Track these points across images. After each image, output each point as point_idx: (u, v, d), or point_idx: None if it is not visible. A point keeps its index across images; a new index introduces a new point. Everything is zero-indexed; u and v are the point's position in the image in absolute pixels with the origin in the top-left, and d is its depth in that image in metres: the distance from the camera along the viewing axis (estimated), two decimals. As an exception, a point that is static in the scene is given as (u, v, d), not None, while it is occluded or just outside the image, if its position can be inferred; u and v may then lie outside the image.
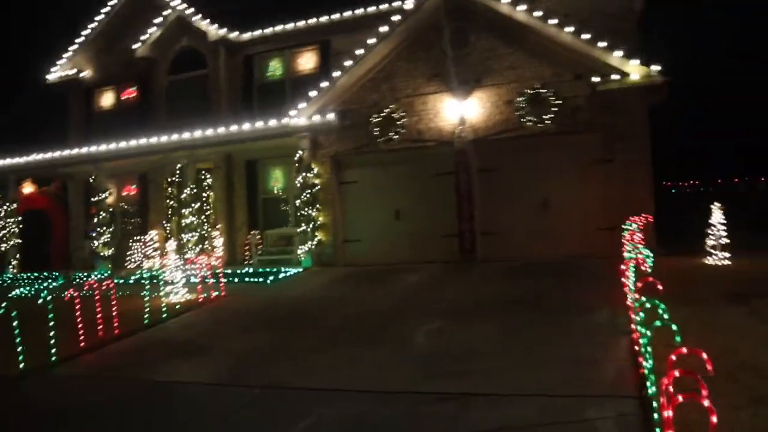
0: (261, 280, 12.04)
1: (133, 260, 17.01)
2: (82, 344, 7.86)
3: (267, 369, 6.37)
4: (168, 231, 17.26)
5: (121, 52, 18.75)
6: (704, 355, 3.51)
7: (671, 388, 3.11)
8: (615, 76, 11.54)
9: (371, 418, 4.83)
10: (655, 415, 3.95)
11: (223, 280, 11.01)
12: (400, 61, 13.36)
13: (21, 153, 18.02)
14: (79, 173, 18.96)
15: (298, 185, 13.90)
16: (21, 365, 7.09)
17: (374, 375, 5.90)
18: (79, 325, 7.87)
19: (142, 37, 17.41)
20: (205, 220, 15.60)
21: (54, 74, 19.46)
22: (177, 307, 9.71)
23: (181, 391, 6.02)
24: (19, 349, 7.11)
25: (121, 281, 13.07)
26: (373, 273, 12.04)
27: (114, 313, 8.53)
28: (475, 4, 12.66)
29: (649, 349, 4.35)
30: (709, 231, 10.80)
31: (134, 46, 17.53)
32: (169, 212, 17.42)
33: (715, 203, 10.82)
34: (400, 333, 7.37)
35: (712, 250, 10.62)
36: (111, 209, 16.90)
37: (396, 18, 13.06)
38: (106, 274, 15.73)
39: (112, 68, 19.02)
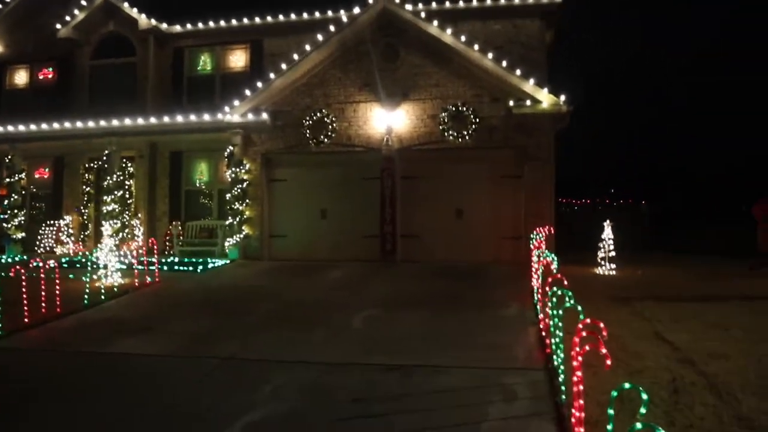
0: (191, 269, 12.43)
1: (45, 245, 16.69)
2: (26, 320, 8.11)
3: (215, 346, 6.96)
4: (85, 217, 17.11)
5: (38, 28, 18.30)
6: (601, 324, 4.59)
7: (578, 348, 4.13)
8: (528, 102, 12.92)
9: (327, 384, 5.62)
10: (560, 380, 5.06)
11: (156, 266, 11.33)
12: (334, 69, 14.16)
13: None
14: (-15, 152, 18.33)
15: (229, 179, 14.37)
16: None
17: (317, 352, 6.65)
18: (21, 304, 8.10)
19: (67, 18, 17.13)
20: (126, 208, 15.65)
21: (-39, 46, 18.66)
22: (115, 290, 9.99)
23: (139, 362, 6.51)
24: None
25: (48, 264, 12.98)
26: (299, 267, 12.75)
27: (57, 293, 8.77)
28: (406, 22, 13.69)
29: (558, 331, 5.42)
30: (599, 245, 12.38)
31: (57, 26, 17.21)
32: (86, 198, 17.28)
33: (606, 221, 12.41)
34: (334, 319, 8.18)
35: (602, 262, 12.19)
36: (23, 191, 16.50)
37: (332, 28, 13.83)
38: (18, 257, 15.45)
39: (28, 45, 18.50)
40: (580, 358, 3.91)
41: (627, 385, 3.38)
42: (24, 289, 8.28)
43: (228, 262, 13.65)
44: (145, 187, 16.60)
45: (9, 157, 16.27)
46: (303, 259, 13.70)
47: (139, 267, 11.16)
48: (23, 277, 8.37)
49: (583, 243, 14.71)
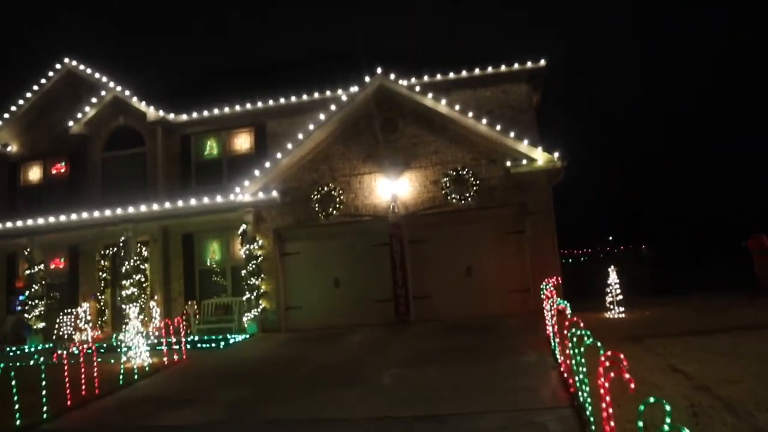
0: (213, 345, 12.81)
1: (63, 332, 16.99)
2: (69, 403, 8.46)
3: (259, 412, 7.35)
4: (102, 303, 17.55)
5: (50, 127, 19.28)
6: (621, 355, 5.06)
7: (602, 378, 4.59)
8: (524, 161, 13.68)
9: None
10: (587, 413, 5.48)
11: (183, 344, 11.72)
12: (337, 145, 14.97)
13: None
14: (1, 246, 18.89)
15: (243, 256, 14.92)
16: (17, 422, 7.63)
17: (355, 409, 7.06)
18: (61, 388, 8.46)
19: (78, 116, 18.06)
20: (143, 291, 16.11)
21: (-22, 149, 19.51)
22: (146, 369, 10.37)
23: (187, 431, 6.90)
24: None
25: (73, 351, 13.34)
26: (319, 336, 13.14)
27: (94, 376, 9.15)
28: (402, 96, 14.60)
29: (582, 367, 5.87)
30: (606, 290, 12.88)
31: (69, 124, 18.11)
32: (102, 284, 17.78)
33: (611, 267, 12.95)
34: (364, 378, 8.58)
35: (610, 306, 12.66)
36: (43, 282, 16.97)
37: (332, 107, 14.72)
38: (40, 346, 15.79)
39: (41, 143, 19.39)
40: (606, 384, 4.38)
41: (652, 399, 3.84)
42: (59, 375, 8.66)
43: (248, 336, 14.03)
44: (160, 270, 17.12)
45: (27, 250, 16.80)
46: (320, 327, 14.10)
47: (164, 347, 11.55)
48: (65, 363, 8.77)
49: (590, 290, 15.18)
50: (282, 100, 16.79)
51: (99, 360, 9.77)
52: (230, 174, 17.17)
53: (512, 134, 13.76)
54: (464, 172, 13.95)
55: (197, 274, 17.03)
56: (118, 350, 12.71)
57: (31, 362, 10.10)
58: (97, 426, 7.65)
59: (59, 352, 9.06)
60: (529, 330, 11.26)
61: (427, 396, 7.29)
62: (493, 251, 14.11)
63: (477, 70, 15.52)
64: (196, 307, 16.28)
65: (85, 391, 8.91)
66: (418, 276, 14.16)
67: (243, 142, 17.58)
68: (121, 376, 9.69)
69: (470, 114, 13.98)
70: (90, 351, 9.54)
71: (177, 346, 11.71)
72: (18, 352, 15.06)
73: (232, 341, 13.23)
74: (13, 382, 7.78)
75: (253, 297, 14.58)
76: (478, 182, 13.87)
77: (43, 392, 8.06)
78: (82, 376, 8.98)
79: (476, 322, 12.70)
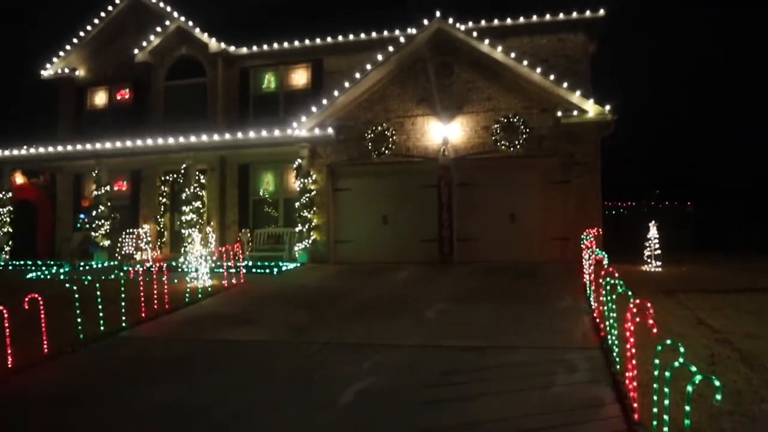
0: (267, 271, 13.71)
1: (125, 251, 18.21)
2: (143, 315, 9.44)
3: (312, 334, 8.13)
4: (161, 226, 18.66)
5: (116, 54, 20.05)
6: (648, 304, 5.57)
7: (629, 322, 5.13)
8: (575, 112, 13.86)
9: (416, 362, 6.70)
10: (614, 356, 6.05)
11: (242, 268, 12.62)
12: (392, 86, 15.35)
13: (15, 145, 18.87)
14: (68, 167, 20.07)
15: (297, 189, 15.67)
16: (101, 329, 8.61)
17: (402, 337, 7.76)
18: (135, 302, 9.42)
19: (143, 44, 18.74)
20: (200, 217, 17.07)
21: (48, 71, 20.47)
22: (209, 290, 11.31)
23: (249, 347, 7.72)
24: (79, 320, 8.62)
25: (148, 267, 14.46)
26: (366, 269, 13.92)
27: (165, 292, 10.11)
28: (459, 41, 14.78)
29: (612, 313, 6.41)
30: (646, 244, 13.23)
31: (135, 51, 18.84)
32: (162, 208, 18.84)
33: (652, 222, 13.26)
34: (410, 311, 9.29)
35: (648, 260, 13.04)
36: (110, 203, 18.08)
37: (390, 48, 15.02)
38: (106, 263, 17.04)
39: (106, 69, 20.23)
40: (632, 328, 4.92)
41: (669, 341, 4.37)
42: (132, 289, 9.61)
43: (298, 265, 14.92)
44: (216, 198, 18.05)
45: (95, 171, 17.86)
46: (367, 261, 14.88)
47: (221, 270, 12.48)
48: (140, 279, 9.71)
49: (630, 243, 15.52)
50: (340, 38, 17.11)
51: (164, 279, 10.70)
52: (286, 108, 17.76)
53: (565, 84, 13.89)
54: (515, 120, 14.22)
55: (251, 203, 17.92)
56: (180, 270, 13.78)
57: (111, 276, 11.13)
58: (169, 337, 8.57)
59: (136, 268, 9.95)
60: (566, 277, 11.78)
61: (469, 330, 7.95)
62: (538, 199, 14.51)
63: (534, 17, 15.53)
64: (249, 235, 17.21)
65: (156, 305, 9.89)
66: (463, 219, 14.70)
67: (300, 77, 18.05)
68: (187, 295, 10.64)
69: (525, 62, 14.13)
70: (162, 270, 10.45)
71: (234, 270, 12.59)
72: (87, 267, 16.31)
73: (284, 269, 14.11)
74: (98, 293, 8.75)
75: (304, 229, 15.38)
76: (528, 130, 14.15)
77: (122, 304, 9.03)
78: (154, 292, 9.95)
79: (517, 267, 13.27)
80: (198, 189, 16.84)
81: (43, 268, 16.34)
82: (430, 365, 6.53)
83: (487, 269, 13.20)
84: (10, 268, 17.13)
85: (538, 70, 14.05)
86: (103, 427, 5.27)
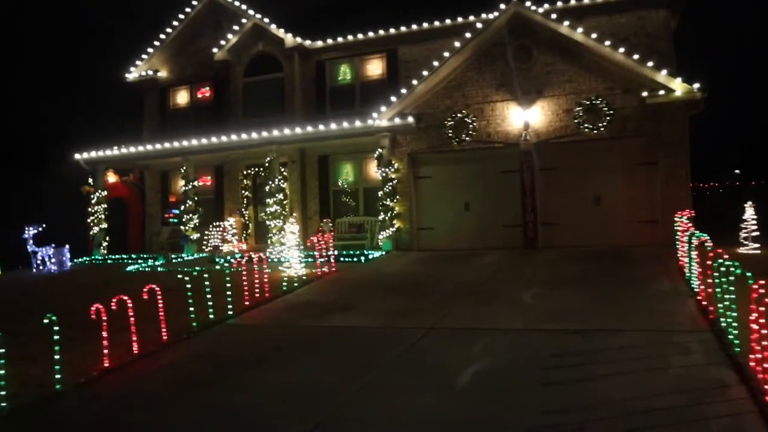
0: (354, 260, 14.04)
1: (211, 243, 18.89)
2: (246, 303, 9.87)
3: (414, 319, 8.32)
4: (246, 218, 19.29)
5: (195, 54, 20.78)
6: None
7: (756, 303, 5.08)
8: (661, 92, 13.51)
9: (524, 344, 6.81)
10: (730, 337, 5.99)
11: (333, 257, 12.96)
12: (470, 72, 15.35)
13: (106, 146, 19.87)
14: (155, 165, 20.99)
15: (379, 178, 15.94)
16: (210, 317, 9.07)
17: (503, 321, 7.86)
18: (237, 291, 9.85)
19: (221, 43, 19.34)
20: (283, 209, 17.54)
21: (133, 74, 21.40)
22: (303, 278, 11.70)
23: (354, 332, 8.00)
24: (191, 309, 9.08)
25: (250, 256, 15.06)
26: (450, 256, 14.05)
27: (265, 281, 10.53)
28: (537, 24, 14.63)
29: (728, 296, 6.33)
30: (741, 225, 12.82)
31: (214, 50, 19.47)
32: (245, 201, 19.47)
33: (748, 202, 12.82)
34: (505, 296, 9.38)
35: (745, 241, 12.65)
36: (196, 198, 18.83)
37: (467, 35, 15.01)
38: (196, 255, 17.78)
39: (187, 69, 20.99)
40: (761, 309, 4.88)
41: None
42: (232, 279, 10.05)
43: (383, 253, 15.19)
44: (298, 190, 18.52)
45: (183, 168, 18.62)
46: (449, 248, 15.01)
47: (309, 260, 12.86)
48: (243, 269, 10.15)
49: (720, 224, 15.04)
50: (414, 26, 17.18)
51: (256, 268, 11.01)
52: (362, 99, 18.02)
53: (650, 63, 13.56)
54: (597, 102, 13.99)
55: (331, 194, 18.31)
56: (270, 260, 14.23)
57: (203, 268, 11.63)
58: (275, 323, 8.97)
59: (238, 259, 10.42)
60: (659, 260, 11.57)
61: (568, 314, 7.98)
62: (623, 181, 14.25)
63: (614, -5, 15.17)
64: (330, 224, 17.58)
65: (258, 294, 10.32)
66: (546, 203, 14.61)
67: (375, 68, 18.25)
68: (284, 283, 11.05)
69: (607, 42, 13.86)
70: (261, 260, 10.88)
71: (321, 259, 12.86)
72: (179, 259, 17.07)
73: (370, 257, 14.41)
74: (206, 283, 9.21)
75: (387, 217, 15.63)
76: (611, 112, 13.91)
77: (228, 293, 9.47)
78: (255, 281, 10.38)
79: (604, 251, 13.11)
80: (281, 181, 17.33)
81: (140, 261, 17.21)
82: (539, 348, 6.62)
83: (574, 254, 13.10)
84: (110, 261, 18.13)
85: (621, 50, 13.75)
86: (242, 407, 5.62)
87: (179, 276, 8.90)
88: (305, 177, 18.69)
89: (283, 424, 5.11)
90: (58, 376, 6.60)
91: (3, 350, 6.10)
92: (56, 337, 6.73)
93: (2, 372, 6.06)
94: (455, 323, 7.94)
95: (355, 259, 14.06)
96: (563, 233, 14.39)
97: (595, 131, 14.02)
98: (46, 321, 6.63)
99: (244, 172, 19.61)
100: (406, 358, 6.66)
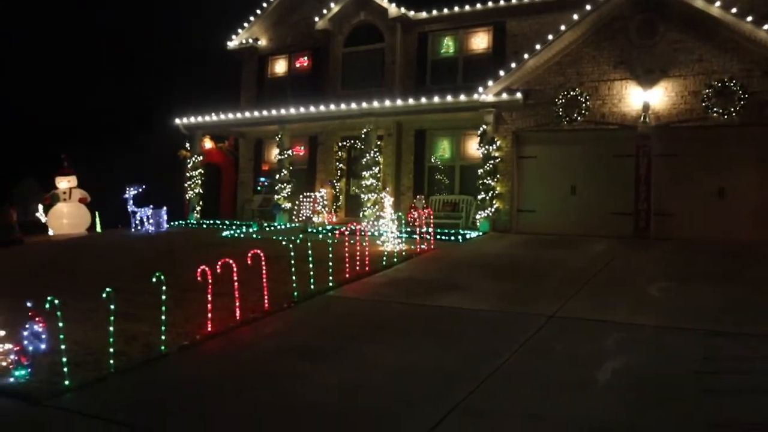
0: (452, 239, 13.48)
1: (302, 214, 18.74)
2: (347, 275, 9.52)
3: (531, 305, 7.67)
4: (337, 190, 19.04)
5: (295, 23, 20.59)
6: None
7: None
8: (810, 75, 12.11)
9: (665, 344, 6.05)
10: None
11: (433, 235, 12.46)
12: (587, 47, 14.33)
13: (204, 112, 20.05)
14: (250, 133, 21.05)
15: (480, 156, 15.23)
16: (311, 287, 8.76)
17: (630, 315, 7.08)
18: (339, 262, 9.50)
19: (323, 11, 19.01)
20: (378, 182, 17.15)
21: (233, 42, 21.46)
22: (403, 254, 11.26)
23: (468, 314, 7.47)
24: (293, 278, 8.76)
25: (351, 228, 14.84)
26: (553, 241, 13.25)
27: (366, 254, 10.14)
28: (667, -4, 13.41)
29: None
30: None
31: (315, 19, 19.18)
32: (338, 173, 19.21)
33: None
34: (628, 288, 8.55)
35: None
36: (291, 167, 18.73)
37: (587, 7, 13.97)
38: (288, 225, 17.70)
39: (286, 38, 20.84)
40: None
41: None
42: (332, 250, 9.68)
43: (481, 233, 14.54)
44: (392, 164, 18.05)
45: (279, 136, 18.53)
46: (551, 233, 14.18)
47: (405, 236, 12.39)
48: (346, 241, 9.79)
49: None
50: (524, -2, 16.25)
51: (351, 241, 10.59)
52: (465, 74, 17.28)
53: (798, 43, 12.19)
54: (731, 84, 12.74)
55: (426, 170, 17.74)
56: (365, 234, 13.88)
57: (300, 236, 11.36)
58: (376, 298, 8.54)
59: (341, 229, 10.08)
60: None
61: (707, 313, 7.12)
62: (754, 173, 12.95)
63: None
64: (424, 201, 17.06)
65: (359, 266, 9.96)
66: (662, 192, 13.52)
67: (480, 41, 17.44)
68: (384, 258, 10.63)
69: (750, 18, 12.52)
70: (363, 233, 10.50)
71: (417, 236, 12.35)
72: (272, 228, 17.02)
73: (468, 236, 13.80)
74: (309, 252, 8.90)
75: (487, 197, 14.94)
76: (746, 96, 12.62)
77: (330, 264, 9.15)
78: (355, 253, 10.02)
79: (726, 247, 11.95)
80: (377, 154, 16.92)
81: (233, 227, 17.28)
82: (682, 349, 5.88)
83: (693, 247, 12.04)
84: (204, 226, 18.33)
85: (766, 26, 12.39)
86: (360, 385, 5.21)
87: (284, 243, 8.65)
88: (400, 151, 18.20)
89: (409, 413, 4.63)
90: (163, 337, 6.43)
91: (113, 306, 5.95)
92: (163, 297, 6.56)
93: (111, 329, 5.92)
94: (577, 313, 7.24)
95: (452, 238, 13.49)
96: (678, 225, 13.28)
97: (726, 116, 12.78)
98: (153, 280, 6.46)
99: (339, 144, 19.33)
100: (532, 347, 6.06)
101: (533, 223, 14.81)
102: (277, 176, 18.55)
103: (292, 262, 8.52)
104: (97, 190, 19.70)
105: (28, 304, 5.60)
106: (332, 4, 18.91)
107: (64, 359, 5.57)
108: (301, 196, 18.78)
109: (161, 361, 6.16)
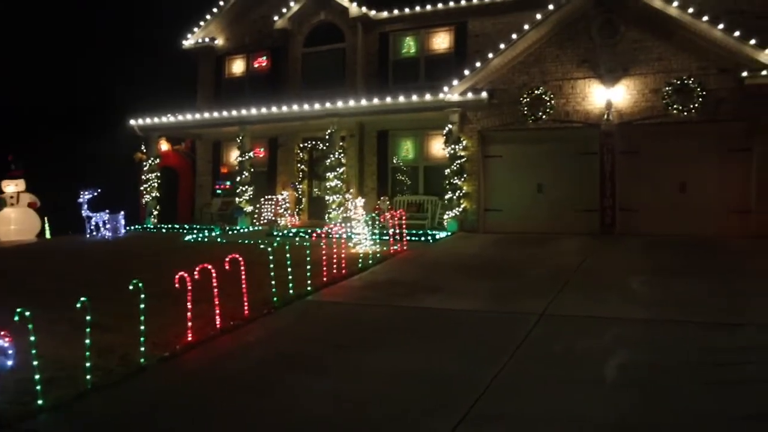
0: (423, 239, 13.38)
1: (264, 217, 18.37)
2: (324, 279, 9.30)
3: (516, 304, 7.60)
4: (299, 192, 18.73)
5: (253, 22, 20.22)
6: None
7: None
8: (763, 72, 12.49)
9: (661, 338, 6.05)
10: None
11: (405, 236, 12.33)
12: (550, 47, 14.47)
13: (160, 113, 19.43)
14: (208, 134, 20.55)
15: (445, 156, 15.21)
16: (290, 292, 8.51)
17: (620, 310, 7.09)
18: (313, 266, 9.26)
19: (283, 11, 18.70)
20: (342, 184, 16.93)
21: (189, 41, 20.92)
22: (377, 255, 11.10)
23: (454, 315, 7.37)
24: (272, 283, 8.52)
25: (327, 231, 14.54)
26: (522, 239, 13.32)
27: (342, 257, 9.94)
28: (627, -4, 13.66)
29: None
30: None
31: (274, 19, 18.84)
32: (300, 175, 18.91)
33: None
34: (609, 283, 8.57)
35: None
36: (252, 169, 18.33)
37: (550, 7, 14.11)
38: (250, 228, 17.31)
39: (244, 37, 20.43)
40: None
41: None
42: (304, 254, 9.46)
43: (449, 234, 14.50)
44: (355, 165, 17.86)
45: (240, 138, 18.12)
46: (519, 231, 14.26)
47: (376, 237, 12.25)
48: (323, 243, 9.55)
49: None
50: (485, -2, 16.31)
51: (322, 244, 10.29)
52: (427, 73, 17.26)
53: (753, 41, 12.56)
54: (689, 82, 13.06)
55: (389, 171, 17.63)
56: (337, 237, 13.66)
57: (274, 241, 11.04)
58: (357, 302, 8.36)
59: (318, 231, 9.84)
60: (759, 252, 10.74)
61: (691, 305, 7.23)
62: (713, 168, 13.31)
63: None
64: (388, 202, 16.93)
65: (335, 269, 9.74)
66: (626, 188, 13.75)
67: (441, 41, 17.44)
68: (359, 261, 10.44)
69: (705, 18, 12.85)
70: (340, 236, 10.29)
71: (389, 237, 12.21)
72: (234, 231, 16.61)
73: (437, 237, 13.74)
74: (287, 256, 8.63)
75: (454, 197, 14.92)
76: (704, 93, 12.96)
77: (308, 267, 8.90)
78: (326, 256, 9.79)
79: (691, 241, 12.25)
80: (341, 155, 16.72)
81: (194, 232, 16.79)
82: (679, 342, 5.91)
83: (657, 242, 12.26)
84: (164, 231, 17.76)
85: (720, 26, 12.74)
86: (353, 392, 5.03)
87: (261, 247, 8.38)
88: (363, 153, 18.04)
89: (418, 421, 4.48)
90: (142, 349, 6.10)
91: (89, 318, 5.60)
92: (141, 306, 6.23)
93: (87, 342, 5.56)
94: (567, 310, 7.21)
95: (423, 239, 13.40)
96: (643, 220, 13.54)
97: (685, 113, 13.10)
98: (131, 287, 6.12)
99: (300, 145, 19.02)
100: (531, 346, 5.98)
101: (501, 222, 14.87)
102: (238, 179, 18.13)
103: (271, 266, 8.25)
104: (42, 195, 18.79)
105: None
106: (292, 3, 18.63)
107: (37, 376, 5.19)
108: (262, 199, 18.42)
109: (140, 375, 5.83)
